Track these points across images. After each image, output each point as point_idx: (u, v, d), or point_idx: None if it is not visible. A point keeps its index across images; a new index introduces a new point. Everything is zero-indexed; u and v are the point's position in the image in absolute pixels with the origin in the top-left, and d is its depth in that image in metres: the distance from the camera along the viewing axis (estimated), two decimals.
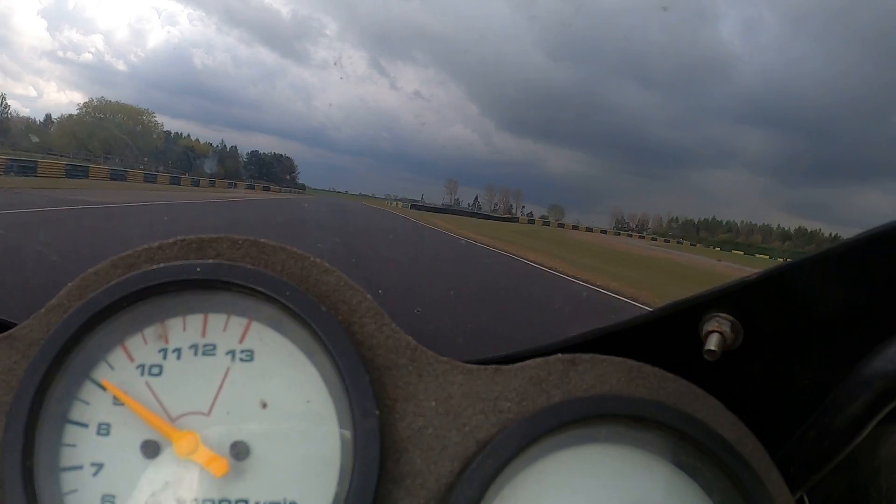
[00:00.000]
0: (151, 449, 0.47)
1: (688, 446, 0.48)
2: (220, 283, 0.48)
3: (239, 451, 0.47)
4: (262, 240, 0.51)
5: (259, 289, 0.47)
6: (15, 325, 0.50)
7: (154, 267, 0.48)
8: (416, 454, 0.47)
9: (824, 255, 0.47)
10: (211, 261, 0.49)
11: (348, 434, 0.46)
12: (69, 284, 0.50)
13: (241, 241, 0.50)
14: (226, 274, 0.48)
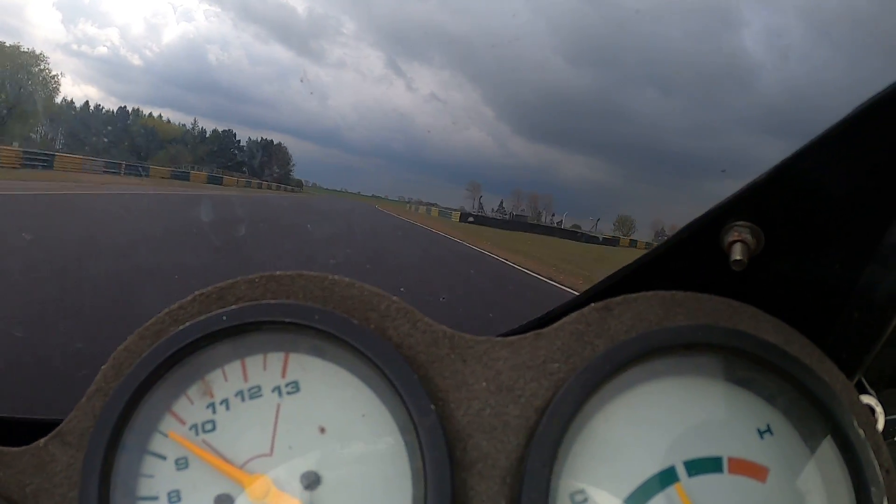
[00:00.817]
0: (225, 502, 0.47)
1: (739, 360, 0.48)
2: (248, 325, 0.48)
3: (310, 482, 0.47)
4: (277, 273, 0.51)
5: (288, 320, 0.48)
6: (60, 421, 0.50)
7: (181, 327, 0.49)
8: (481, 437, 0.48)
9: (828, 135, 0.46)
10: (234, 307, 0.49)
11: (412, 437, 0.46)
12: (103, 368, 0.50)
13: (257, 280, 0.51)
14: (251, 315, 0.48)
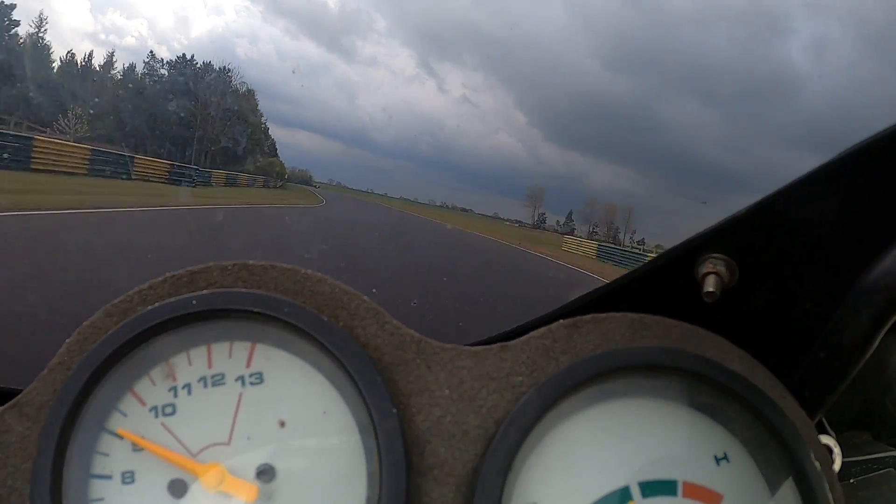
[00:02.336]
0: (179, 488, 0.47)
1: (702, 386, 0.49)
2: (217, 311, 0.48)
3: (265, 475, 0.47)
4: (250, 262, 0.51)
5: (257, 310, 0.47)
6: (19, 391, 0.49)
7: (149, 308, 0.48)
8: (439, 444, 0.48)
9: (810, 177, 0.47)
10: (205, 291, 0.49)
11: (370, 438, 0.46)
12: (67, 341, 0.49)
13: (230, 267, 0.50)
14: (221, 301, 0.48)
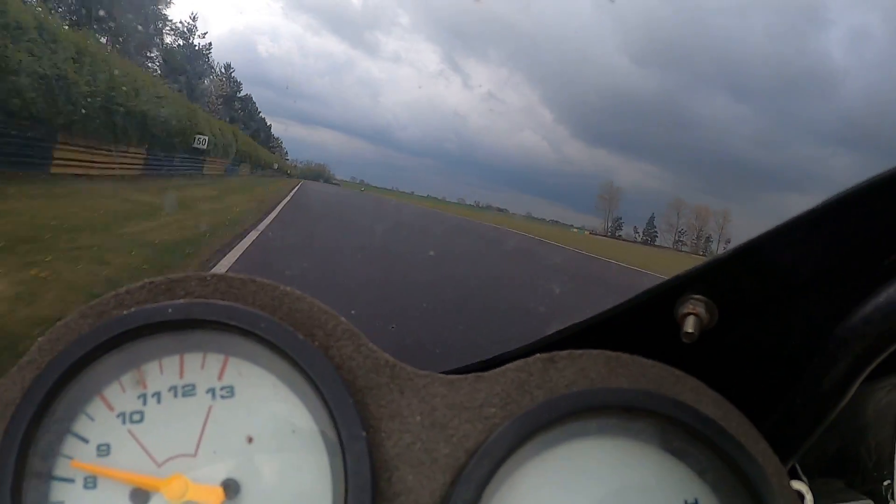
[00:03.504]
0: (141, 497, 0.46)
1: (676, 430, 0.48)
2: (192, 321, 0.47)
3: (229, 489, 0.46)
4: (229, 274, 0.50)
5: (233, 323, 0.47)
6: None
7: (125, 312, 0.48)
8: (407, 471, 0.47)
9: (793, 223, 0.47)
10: (181, 301, 0.48)
11: (338, 460, 0.45)
12: (39, 339, 0.49)
13: (209, 278, 0.50)
14: (198, 312, 0.47)
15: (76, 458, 0.47)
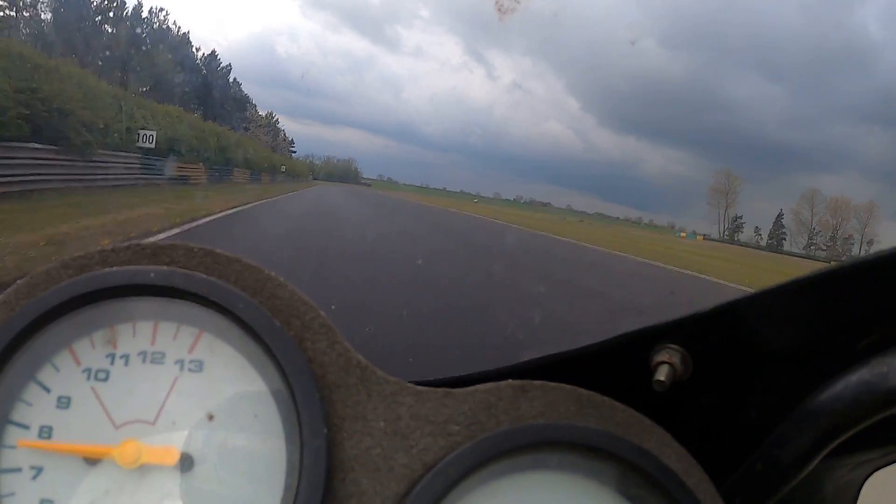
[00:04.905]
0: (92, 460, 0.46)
1: (636, 476, 0.48)
2: (172, 290, 0.47)
3: (183, 463, 0.46)
4: (217, 249, 0.50)
5: (212, 299, 0.47)
6: None
7: (107, 270, 0.48)
8: (362, 474, 0.47)
9: (778, 290, 0.48)
10: (165, 268, 0.48)
11: (296, 452, 0.45)
12: (18, 282, 0.49)
13: (196, 250, 0.50)
14: (179, 282, 0.47)
15: (35, 405, 0.47)
